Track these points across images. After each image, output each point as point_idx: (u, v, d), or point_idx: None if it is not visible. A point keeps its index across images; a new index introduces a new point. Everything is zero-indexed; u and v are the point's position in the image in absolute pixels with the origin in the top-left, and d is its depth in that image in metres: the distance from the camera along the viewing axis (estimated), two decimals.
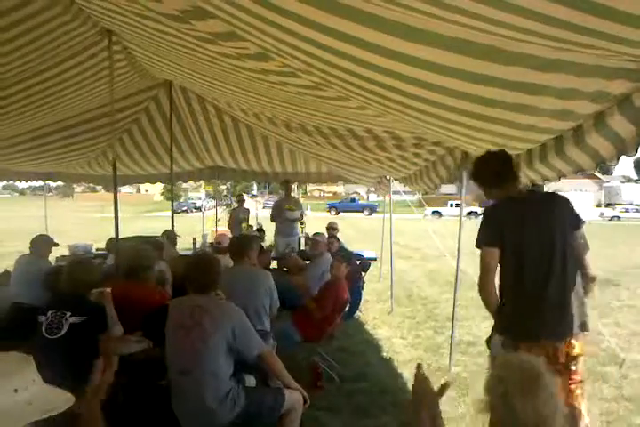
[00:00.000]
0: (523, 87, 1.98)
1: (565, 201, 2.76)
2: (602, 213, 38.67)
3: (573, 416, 2.61)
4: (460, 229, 5.16)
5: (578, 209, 2.70)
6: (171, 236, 6.54)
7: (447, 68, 1.95)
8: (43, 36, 3.47)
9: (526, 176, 3.24)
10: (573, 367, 2.62)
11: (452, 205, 36.45)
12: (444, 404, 4.24)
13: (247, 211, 10.63)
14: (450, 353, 5.20)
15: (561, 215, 2.70)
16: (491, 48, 1.71)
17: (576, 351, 2.62)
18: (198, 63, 3.87)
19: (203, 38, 2.95)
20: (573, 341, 2.61)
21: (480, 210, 40.28)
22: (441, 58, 1.90)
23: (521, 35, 1.54)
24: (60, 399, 1.38)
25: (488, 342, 2.86)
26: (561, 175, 2.79)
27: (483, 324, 7.03)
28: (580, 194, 42.78)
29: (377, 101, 2.98)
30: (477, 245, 2.78)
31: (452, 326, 5.21)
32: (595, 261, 2.87)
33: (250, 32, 2.54)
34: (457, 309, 5.32)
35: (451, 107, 2.42)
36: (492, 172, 2.81)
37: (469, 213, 38.05)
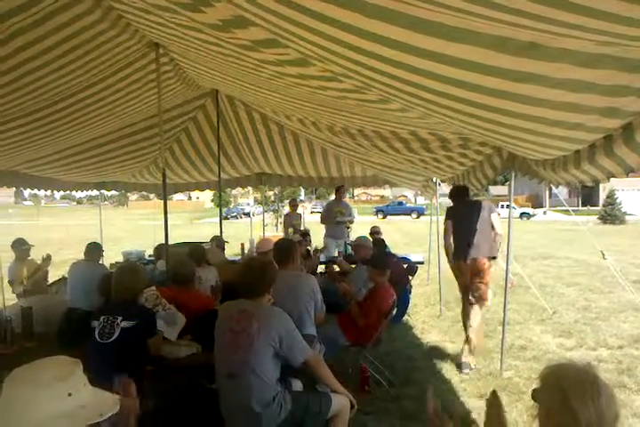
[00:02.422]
0: (566, 85, 1.93)
1: (488, 205, 5.48)
2: None
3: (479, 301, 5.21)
4: (509, 230, 5.05)
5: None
6: (218, 242, 6.65)
7: (486, 67, 1.92)
8: (92, 51, 3.60)
9: (575, 177, 3.14)
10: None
11: (502, 207, 35.64)
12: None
13: (299, 216, 10.64)
14: (501, 358, 5.08)
15: (482, 210, 5.32)
16: (531, 44, 1.68)
17: (483, 266, 5.17)
18: (242, 71, 3.93)
19: (244, 46, 3.00)
20: (482, 260, 5.18)
21: (532, 211, 39.33)
22: (480, 56, 1.87)
23: (562, 29, 1.51)
24: (110, 402, 1.40)
25: (451, 264, 5.49)
26: (610, 176, 2.70)
27: (536, 327, 6.85)
28: (638, 193, 41.07)
29: (418, 104, 2.96)
30: (445, 221, 5.59)
31: (503, 330, 5.09)
32: None
33: (290, 39, 2.56)
34: (508, 312, 5.20)
35: (491, 107, 2.38)
36: (454, 193, 5.64)
37: (522, 215, 37.14)
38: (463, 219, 5.38)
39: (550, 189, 44.06)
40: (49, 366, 1.35)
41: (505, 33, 1.64)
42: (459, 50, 1.85)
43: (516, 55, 1.77)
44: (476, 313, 5.27)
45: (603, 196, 35.53)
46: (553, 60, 1.76)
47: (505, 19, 1.48)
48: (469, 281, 5.20)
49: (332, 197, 10.09)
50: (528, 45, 1.68)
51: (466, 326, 5.35)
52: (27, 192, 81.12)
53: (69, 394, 1.31)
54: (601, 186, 38.09)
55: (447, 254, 5.50)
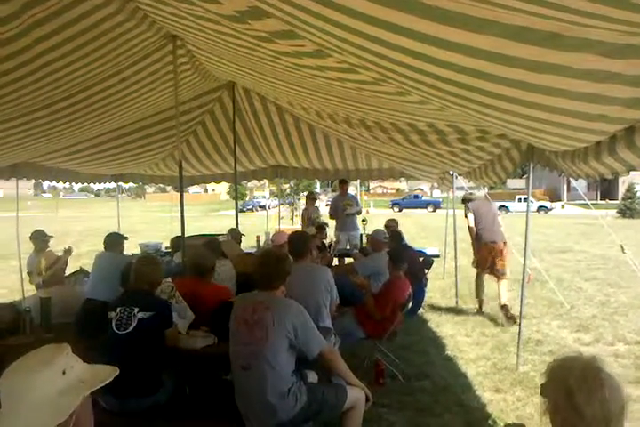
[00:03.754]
0: (589, 75, 1.89)
1: (493, 205, 7.45)
2: None
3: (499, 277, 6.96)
4: (526, 224, 4.99)
5: None
6: (235, 234, 6.67)
7: (507, 57, 1.88)
8: (109, 43, 3.60)
9: (594, 170, 3.09)
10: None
11: (519, 200, 35.28)
12: (513, 403, 4.14)
13: (317, 209, 10.53)
14: (517, 352, 5.04)
15: (491, 206, 7.35)
16: (553, 35, 1.64)
17: (501, 248, 6.96)
18: (258, 63, 3.91)
19: (261, 37, 2.98)
20: (500, 243, 6.99)
21: (550, 205, 38.90)
22: (501, 46, 1.84)
23: (586, 19, 1.47)
24: (106, 372, 1.45)
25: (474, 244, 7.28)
26: (630, 169, 2.66)
27: (553, 322, 6.80)
28: None
29: (437, 95, 2.92)
30: (465, 215, 7.32)
31: (520, 325, 5.05)
32: None
33: (307, 30, 2.54)
34: (525, 307, 5.15)
35: (511, 98, 2.34)
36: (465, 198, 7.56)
37: (539, 208, 36.76)
38: (483, 212, 7.14)
39: (569, 183, 43.59)
40: (33, 355, 1.41)
41: (527, 23, 1.60)
42: (479, 40, 1.82)
43: (538, 45, 1.73)
44: (503, 287, 6.84)
45: (622, 189, 35.06)
46: (576, 51, 1.73)
47: (527, 8, 1.45)
48: (490, 260, 6.94)
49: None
50: (550, 36, 1.64)
51: (478, 293, 7.31)
52: (45, 184, 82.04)
53: (64, 372, 1.36)
54: (620, 179, 37.55)
55: (470, 234, 7.26)
